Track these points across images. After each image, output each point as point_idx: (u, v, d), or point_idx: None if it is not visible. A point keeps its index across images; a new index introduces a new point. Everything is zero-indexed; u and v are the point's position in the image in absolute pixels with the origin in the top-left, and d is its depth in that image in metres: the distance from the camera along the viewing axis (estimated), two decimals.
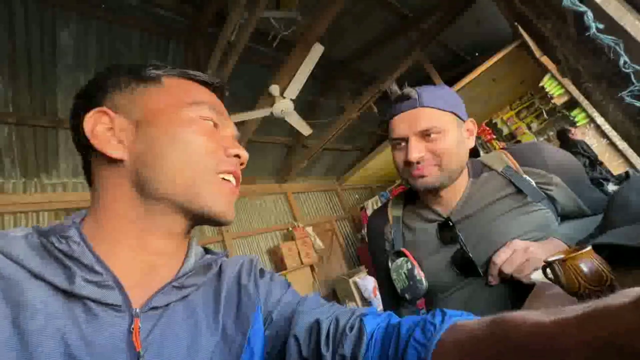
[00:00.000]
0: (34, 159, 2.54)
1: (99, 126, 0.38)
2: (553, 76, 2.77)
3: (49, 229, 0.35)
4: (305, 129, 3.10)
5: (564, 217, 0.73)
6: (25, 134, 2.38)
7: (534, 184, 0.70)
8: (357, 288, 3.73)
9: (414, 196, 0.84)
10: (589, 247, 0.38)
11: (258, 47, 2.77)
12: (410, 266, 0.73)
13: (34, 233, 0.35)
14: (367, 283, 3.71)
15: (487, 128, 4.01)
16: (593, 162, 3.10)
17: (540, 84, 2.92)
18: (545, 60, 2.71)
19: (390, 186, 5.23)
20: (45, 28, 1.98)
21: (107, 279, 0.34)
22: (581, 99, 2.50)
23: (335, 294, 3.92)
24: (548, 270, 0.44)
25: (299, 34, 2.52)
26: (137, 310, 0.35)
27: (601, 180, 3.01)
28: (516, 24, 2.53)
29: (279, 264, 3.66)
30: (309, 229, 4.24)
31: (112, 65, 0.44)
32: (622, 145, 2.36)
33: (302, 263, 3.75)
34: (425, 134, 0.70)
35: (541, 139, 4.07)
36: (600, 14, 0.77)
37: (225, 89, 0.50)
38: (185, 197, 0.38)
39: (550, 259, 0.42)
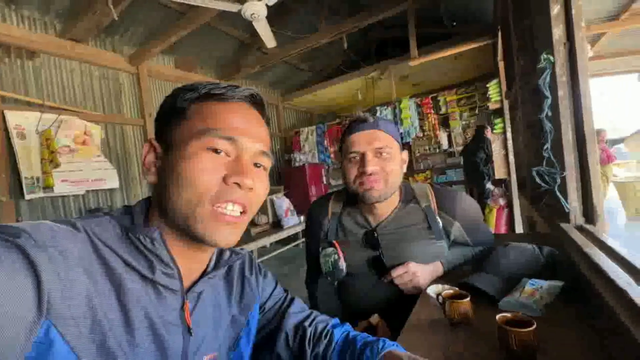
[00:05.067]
0: None
1: (148, 156, 0.46)
2: (498, 83, 3.12)
3: (132, 225, 0.42)
4: (270, 41, 2.80)
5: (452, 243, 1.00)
6: None
7: (441, 226, 0.94)
8: (273, 206, 4.08)
9: (353, 199, 0.98)
10: (468, 298, 0.64)
11: None
12: (337, 257, 0.92)
13: (116, 225, 0.42)
14: (283, 203, 4.07)
15: (431, 102, 4.36)
16: (487, 159, 3.90)
17: (488, 85, 3.26)
18: (501, 66, 2.99)
19: (331, 121, 5.32)
20: None
21: (175, 273, 0.43)
22: (507, 116, 2.96)
23: None
24: (440, 297, 0.70)
25: None
26: (187, 294, 0.45)
27: (485, 175, 3.91)
28: (499, 26, 2.63)
29: None
30: None
31: (163, 101, 0.47)
32: (511, 159, 3.02)
33: None
34: (379, 152, 0.86)
35: (462, 123, 4.82)
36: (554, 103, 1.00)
37: (257, 97, 0.50)
38: (186, 227, 0.42)
39: (443, 295, 0.68)
